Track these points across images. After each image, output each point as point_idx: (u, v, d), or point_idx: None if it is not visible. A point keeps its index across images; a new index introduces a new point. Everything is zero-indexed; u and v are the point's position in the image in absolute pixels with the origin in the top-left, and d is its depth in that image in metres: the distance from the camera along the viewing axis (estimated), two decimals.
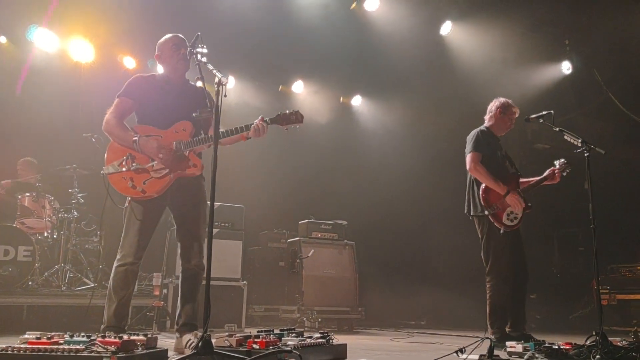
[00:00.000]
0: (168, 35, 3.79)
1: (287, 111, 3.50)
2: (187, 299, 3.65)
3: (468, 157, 4.64)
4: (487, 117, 4.91)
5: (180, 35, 3.78)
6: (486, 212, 4.47)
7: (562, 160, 4.59)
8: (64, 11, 7.27)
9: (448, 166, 8.78)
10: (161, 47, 3.78)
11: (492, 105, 4.89)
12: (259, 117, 3.46)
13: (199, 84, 3.56)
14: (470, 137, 4.73)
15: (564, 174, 4.60)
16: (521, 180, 4.74)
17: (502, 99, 4.87)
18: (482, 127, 4.82)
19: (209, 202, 3.73)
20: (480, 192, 4.54)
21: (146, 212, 3.57)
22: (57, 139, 7.25)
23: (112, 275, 3.56)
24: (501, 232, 4.47)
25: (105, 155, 3.59)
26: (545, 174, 4.73)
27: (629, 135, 8.49)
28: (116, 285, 3.52)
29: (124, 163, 3.53)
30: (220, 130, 3.56)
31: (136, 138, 3.49)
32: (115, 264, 3.56)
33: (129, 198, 3.57)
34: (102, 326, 3.50)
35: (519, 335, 4.30)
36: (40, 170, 6.76)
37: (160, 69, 4.00)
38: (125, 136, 3.53)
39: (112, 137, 3.59)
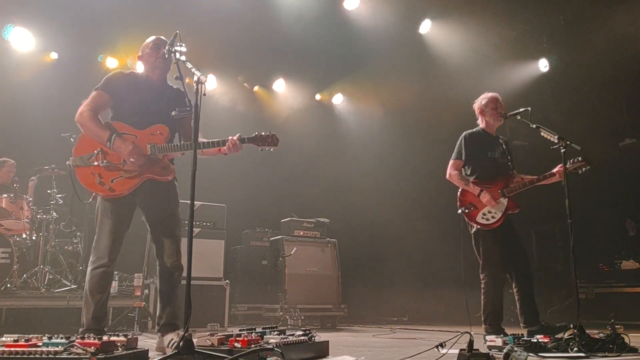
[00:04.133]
0: (151, 37, 3.82)
1: (264, 133, 3.56)
2: (166, 298, 3.62)
3: (448, 164, 4.81)
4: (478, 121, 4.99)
5: (162, 37, 3.79)
6: (459, 211, 4.69)
7: (577, 158, 4.46)
8: (41, 9, 7.19)
9: (429, 163, 8.86)
10: (143, 47, 3.81)
11: (474, 107, 4.94)
12: (237, 135, 3.50)
13: (182, 81, 3.54)
14: (457, 143, 4.83)
15: (580, 172, 4.50)
16: (522, 177, 4.78)
17: (479, 98, 4.91)
18: (471, 130, 4.88)
19: (181, 201, 3.76)
20: (458, 193, 4.75)
21: (117, 212, 3.51)
22: (35, 139, 7.13)
23: (88, 278, 3.47)
24: (472, 230, 4.67)
25: (74, 146, 3.52)
26: (552, 171, 4.64)
27: (605, 132, 8.64)
28: (93, 288, 3.44)
29: (94, 158, 3.45)
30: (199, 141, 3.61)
31: (112, 137, 3.44)
32: (90, 267, 3.48)
33: (94, 194, 3.52)
34: (81, 329, 3.43)
35: (539, 329, 4.36)
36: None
37: (141, 69, 3.99)
38: (99, 132, 3.46)
39: (84, 130, 3.52)
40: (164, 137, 3.58)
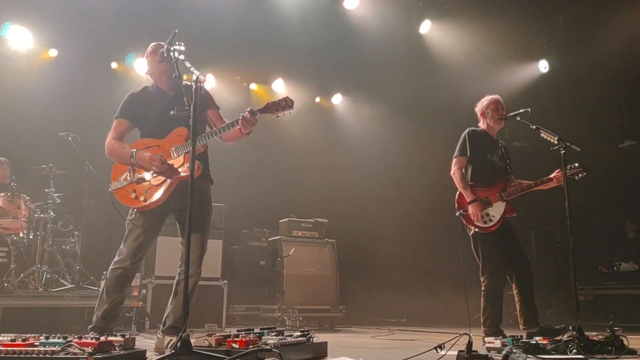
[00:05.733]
0: (151, 44, 3.87)
1: (277, 99, 3.45)
2: (179, 302, 3.62)
3: (452, 161, 4.76)
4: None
5: (161, 42, 3.78)
6: (457, 214, 4.68)
7: (574, 164, 4.45)
8: (39, 7, 7.17)
9: (427, 165, 8.86)
10: (145, 57, 3.90)
11: (475, 110, 4.93)
12: (247, 109, 3.43)
13: (181, 80, 3.51)
14: (460, 139, 4.80)
15: (576, 178, 4.47)
16: (520, 181, 4.78)
17: (480, 100, 4.90)
18: (474, 128, 4.86)
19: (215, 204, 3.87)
20: (456, 195, 4.73)
21: (147, 222, 3.64)
22: (32, 138, 7.11)
23: (107, 276, 3.62)
24: (471, 233, 4.66)
25: (112, 174, 3.74)
26: (550, 176, 4.64)
27: (604, 134, 8.63)
28: (109, 287, 3.57)
29: (126, 177, 3.66)
30: (211, 130, 3.72)
31: (133, 152, 3.58)
32: (111, 266, 3.63)
33: (135, 209, 3.64)
34: (90, 326, 3.52)
35: (539, 331, 4.37)
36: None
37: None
38: (123, 154, 3.63)
39: (114, 159, 3.71)
40: (183, 137, 3.63)
